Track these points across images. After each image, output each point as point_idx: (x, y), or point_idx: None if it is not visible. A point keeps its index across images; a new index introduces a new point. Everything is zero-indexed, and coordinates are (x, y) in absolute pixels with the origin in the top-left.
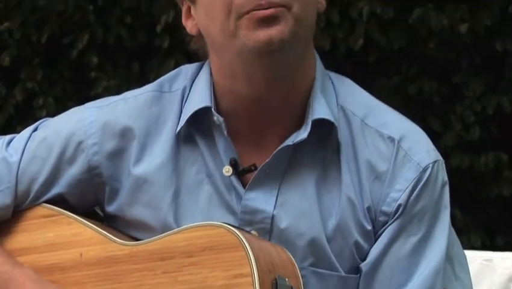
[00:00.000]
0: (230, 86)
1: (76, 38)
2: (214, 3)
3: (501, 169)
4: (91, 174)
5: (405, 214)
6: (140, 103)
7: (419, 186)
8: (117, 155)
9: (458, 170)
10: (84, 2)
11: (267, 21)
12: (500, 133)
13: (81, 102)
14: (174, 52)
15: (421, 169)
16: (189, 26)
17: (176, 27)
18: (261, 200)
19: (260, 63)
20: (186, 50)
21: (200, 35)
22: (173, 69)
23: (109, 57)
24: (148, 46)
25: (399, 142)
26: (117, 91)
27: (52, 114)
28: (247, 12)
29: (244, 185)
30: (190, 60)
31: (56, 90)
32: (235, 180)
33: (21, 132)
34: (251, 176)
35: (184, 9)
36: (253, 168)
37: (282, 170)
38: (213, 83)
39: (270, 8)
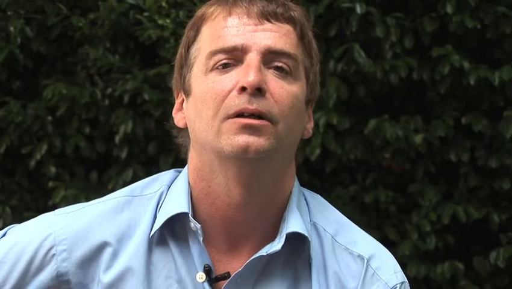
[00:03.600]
0: (207, 188)
1: (34, 149)
2: (205, 101)
3: (457, 279)
4: (59, 281)
5: None
6: (111, 208)
7: None
8: (87, 262)
9: (415, 279)
10: (42, 113)
11: (250, 129)
12: (456, 242)
13: (39, 211)
14: (132, 162)
15: None
16: (177, 118)
17: (134, 138)
18: None
19: (236, 169)
20: (144, 160)
21: (185, 129)
22: (131, 179)
23: (67, 167)
24: (106, 156)
25: (368, 261)
26: (75, 201)
27: (9, 224)
28: (233, 115)
29: None
30: (147, 171)
31: (14, 200)
32: (207, 288)
33: None
34: (223, 284)
35: (178, 101)
36: (227, 275)
37: (253, 280)
38: (190, 188)
39: (255, 116)
